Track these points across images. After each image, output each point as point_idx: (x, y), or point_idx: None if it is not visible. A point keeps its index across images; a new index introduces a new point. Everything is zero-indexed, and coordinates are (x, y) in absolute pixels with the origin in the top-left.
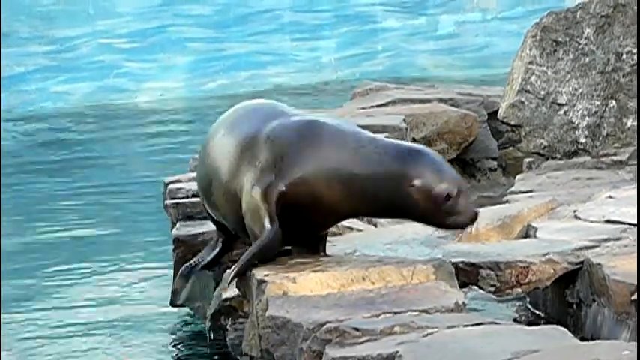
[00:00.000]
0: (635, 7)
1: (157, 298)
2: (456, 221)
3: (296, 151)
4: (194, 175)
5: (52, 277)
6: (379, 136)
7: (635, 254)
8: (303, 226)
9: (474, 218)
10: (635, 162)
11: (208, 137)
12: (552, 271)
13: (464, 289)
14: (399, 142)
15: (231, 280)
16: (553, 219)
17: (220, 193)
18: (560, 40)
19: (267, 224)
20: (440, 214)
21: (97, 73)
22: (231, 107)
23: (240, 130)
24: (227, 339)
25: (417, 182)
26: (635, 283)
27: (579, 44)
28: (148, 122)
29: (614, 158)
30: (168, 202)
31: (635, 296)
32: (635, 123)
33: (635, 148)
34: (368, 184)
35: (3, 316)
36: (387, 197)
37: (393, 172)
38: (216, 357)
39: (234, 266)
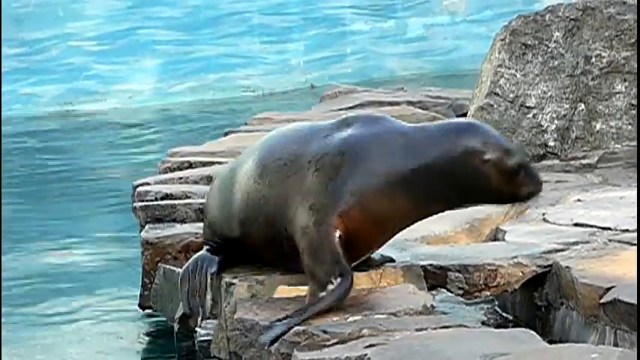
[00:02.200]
0: (605, 11)
1: (125, 299)
2: (528, 191)
3: (345, 174)
4: (163, 177)
5: (15, 279)
6: (420, 124)
7: (604, 257)
8: (366, 248)
9: (541, 184)
10: (605, 165)
11: (236, 165)
12: (521, 274)
13: (432, 292)
14: (444, 121)
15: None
16: (522, 222)
17: (259, 222)
18: (529, 43)
19: (339, 272)
20: (513, 186)
21: (66, 75)
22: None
23: (282, 154)
24: (195, 341)
25: (488, 156)
26: (604, 286)
27: (548, 47)
28: (116, 124)
29: (583, 161)
30: (137, 204)
31: (604, 299)
32: (604, 126)
33: (604, 151)
34: (432, 177)
35: None
36: (455, 183)
37: (457, 152)
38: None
39: (294, 317)
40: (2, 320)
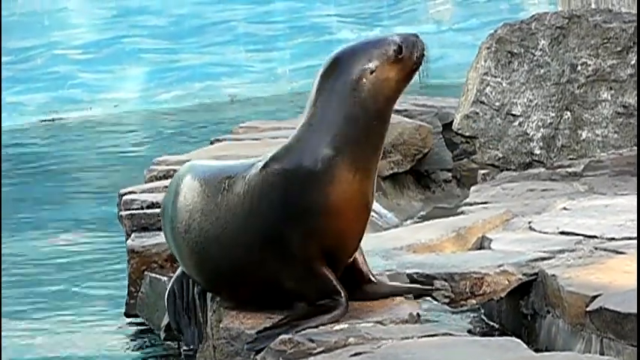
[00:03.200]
0: (591, 19)
1: (111, 307)
2: (416, 55)
3: (296, 195)
4: (149, 186)
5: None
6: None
7: (590, 266)
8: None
9: (418, 39)
10: (591, 173)
11: (178, 194)
12: (507, 282)
13: (418, 301)
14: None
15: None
16: (508, 230)
17: (223, 246)
18: (515, 51)
19: (337, 291)
20: (407, 63)
21: (51, 84)
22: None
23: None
24: (181, 350)
25: (373, 65)
26: (590, 294)
27: (534, 56)
28: (102, 133)
29: (569, 170)
30: (123, 213)
31: (590, 307)
32: (590, 134)
33: (590, 159)
34: (358, 131)
35: None
36: (371, 108)
37: (352, 89)
38: None
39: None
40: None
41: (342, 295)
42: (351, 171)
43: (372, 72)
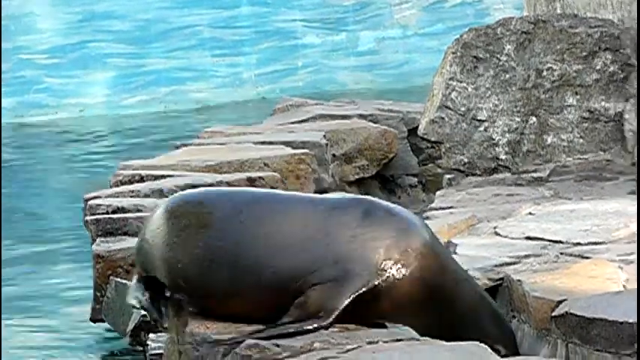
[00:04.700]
0: (557, 24)
1: (77, 313)
2: None
3: (356, 236)
4: (114, 190)
5: None
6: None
7: (555, 271)
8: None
9: None
10: (556, 178)
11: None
12: None
13: None
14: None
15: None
16: (473, 235)
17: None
18: (480, 56)
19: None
20: None
21: (17, 88)
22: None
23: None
24: (147, 355)
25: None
26: (556, 299)
27: (500, 60)
28: (67, 138)
29: (535, 175)
30: (88, 217)
31: (555, 312)
32: (556, 139)
33: (556, 164)
34: None
35: None
36: None
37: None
38: None
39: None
40: None
41: (331, 322)
42: None
43: None
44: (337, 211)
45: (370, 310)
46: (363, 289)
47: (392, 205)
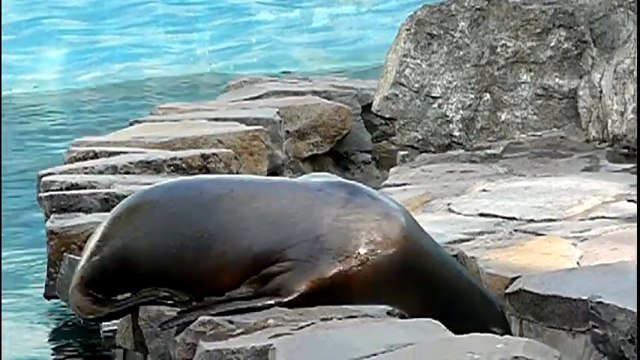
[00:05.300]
0: (511, 1)
1: (31, 290)
2: None
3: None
4: (68, 167)
5: None
6: None
7: (509, 247)
8: None
9: None
10: (510, 155)
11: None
12: None
13: None
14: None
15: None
16: (427, 212)
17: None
18: (434, 33)
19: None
20: None
21: None
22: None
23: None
24: (101, 331)
25: None
26: (510, 276)
27: (454, 37)
28: (22, 114)
29: (489, 151)
30: (42, 194)
31: (509, 289)
32: (510, 116)
33: (510, 141)
34: None
35: None
36: None
37: None
38: (89, 350)
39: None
40: None
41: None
42: None
43: None
44: (322, 193)
45: (347, 293)
46: (332, 277)
47: (375, 191)
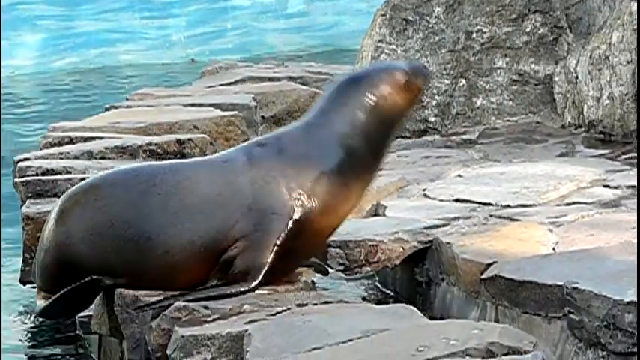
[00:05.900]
0: None
1: (7, 275)
2: (422, 85)
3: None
4: (44, 152)
5: None
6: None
7: (485, 233)
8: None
9: (424, 69)
10: (485, 140)
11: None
12: (402, 249)
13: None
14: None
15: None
16: (402, 197)
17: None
18: (410, 18)
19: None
20: (413, 91)
21: None
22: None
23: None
24: (76, 317)
25: (383, 91)
26: (485, 262)
27: (429, 23)
28: None
29: (464, 137)
30: (18, 180)
31: (485, 275)
32: (485, 102)
33: (485, 127)
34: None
35: None
36: (375, 136)
37: (357, 117)
38: (65, 335)
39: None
40: None
41: (257, 283)
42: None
43: (382, 97)
44: (228, 164)
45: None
46: (287, 231)
47: (265, 138)
